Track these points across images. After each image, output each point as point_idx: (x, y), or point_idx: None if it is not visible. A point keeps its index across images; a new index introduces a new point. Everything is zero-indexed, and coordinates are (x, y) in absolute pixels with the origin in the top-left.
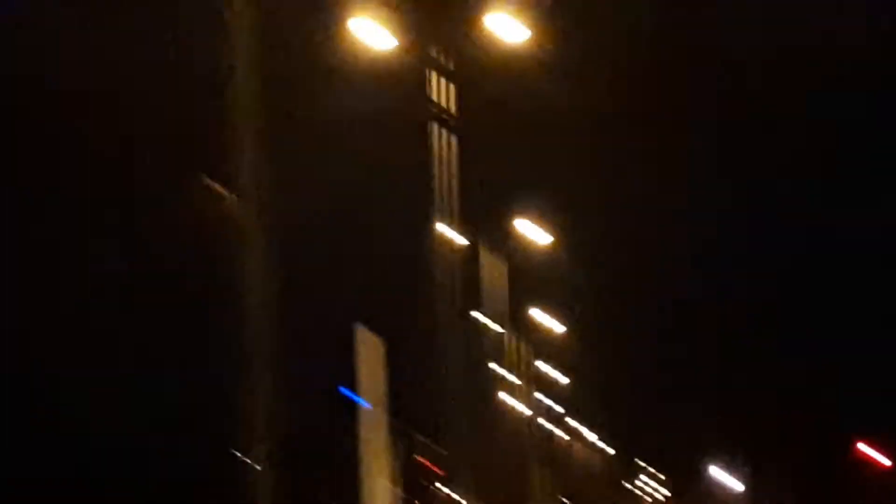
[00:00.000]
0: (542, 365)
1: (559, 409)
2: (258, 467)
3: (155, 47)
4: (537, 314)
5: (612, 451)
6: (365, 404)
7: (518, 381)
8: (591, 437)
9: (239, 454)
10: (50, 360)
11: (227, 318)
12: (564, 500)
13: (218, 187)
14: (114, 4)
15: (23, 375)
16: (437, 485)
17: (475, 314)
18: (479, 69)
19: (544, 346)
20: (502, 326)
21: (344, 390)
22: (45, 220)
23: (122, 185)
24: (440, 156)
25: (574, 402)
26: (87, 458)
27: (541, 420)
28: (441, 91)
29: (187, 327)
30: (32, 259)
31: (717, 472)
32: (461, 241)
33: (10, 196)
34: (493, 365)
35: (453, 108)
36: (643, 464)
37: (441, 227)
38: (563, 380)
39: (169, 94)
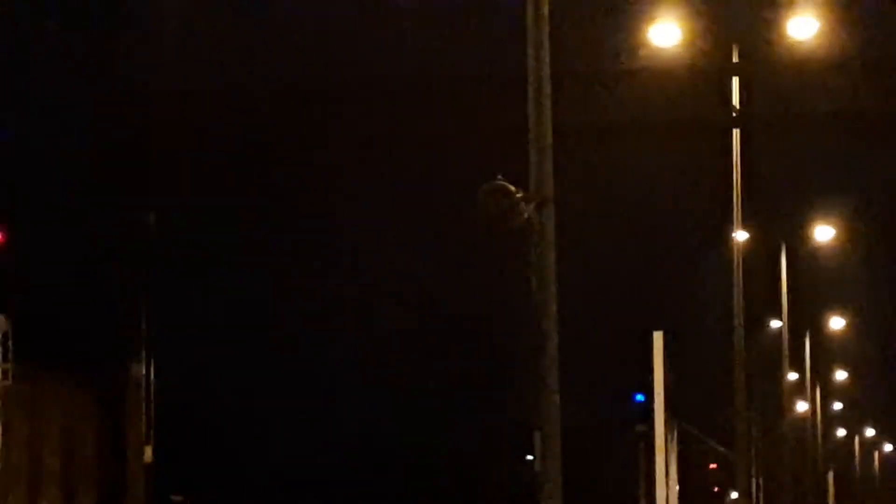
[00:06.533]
0: (836, 371)
1: (850, 413)
2: (550, 468)
3: (462, 55)
4: (830, 315)
5: None
6: (658, 408)
7: (809, 386)
8: (887, 446)
9: (532, 458)
10: None
11: (518, 320)
12: None
13: (511, 188)
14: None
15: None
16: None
17: (770, 319)
18: (775, 70)
19: (838, 349)
20: (796, 330)
21: (638, 395)
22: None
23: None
24: (735, 158)
25: (868, 407)
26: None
27: (831, 427)
28: (736, 94)
29: (482, 332)
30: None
31: None
32: (753, 243)
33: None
34: (785, 370)
35: (748, 110)
36: None
37: (735, 231)
38: (857, 384)
39: (467, 95)
